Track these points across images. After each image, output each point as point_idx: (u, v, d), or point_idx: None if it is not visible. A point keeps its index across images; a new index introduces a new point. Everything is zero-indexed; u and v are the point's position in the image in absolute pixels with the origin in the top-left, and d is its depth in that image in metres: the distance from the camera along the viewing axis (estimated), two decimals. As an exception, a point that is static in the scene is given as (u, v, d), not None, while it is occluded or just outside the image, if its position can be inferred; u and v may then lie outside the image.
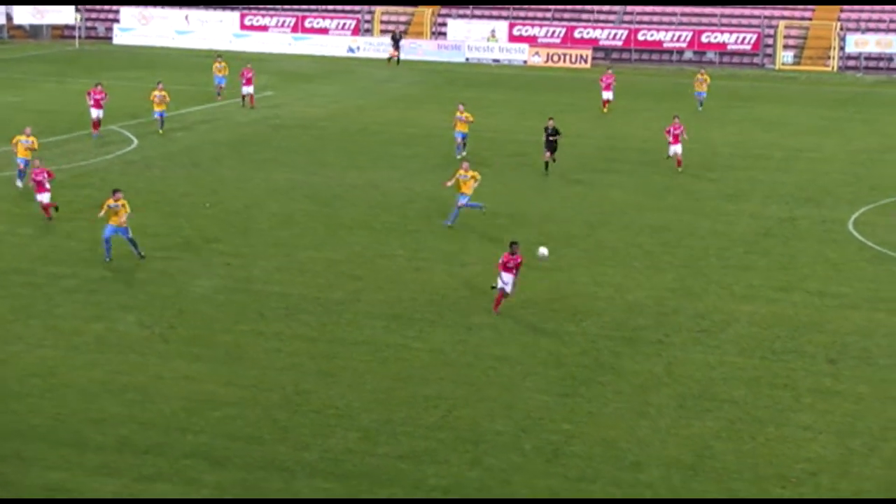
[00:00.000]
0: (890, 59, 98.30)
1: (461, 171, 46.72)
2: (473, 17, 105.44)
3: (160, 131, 64.15)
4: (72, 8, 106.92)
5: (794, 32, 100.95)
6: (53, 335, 34.85)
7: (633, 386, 31.86)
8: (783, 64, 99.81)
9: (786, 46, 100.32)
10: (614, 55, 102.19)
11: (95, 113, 63.30)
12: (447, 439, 28.43)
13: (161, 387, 31.21)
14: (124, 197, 41.54)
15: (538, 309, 37.47)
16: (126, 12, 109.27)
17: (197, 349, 33.93)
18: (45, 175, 46.50)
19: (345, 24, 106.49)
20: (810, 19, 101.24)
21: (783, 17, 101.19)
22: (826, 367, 33.40)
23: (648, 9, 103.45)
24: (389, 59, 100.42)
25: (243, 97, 74.83)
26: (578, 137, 66.21)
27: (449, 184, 47.10)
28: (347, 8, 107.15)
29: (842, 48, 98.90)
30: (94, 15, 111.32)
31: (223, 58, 79.78)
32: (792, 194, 54.02)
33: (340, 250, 43.69)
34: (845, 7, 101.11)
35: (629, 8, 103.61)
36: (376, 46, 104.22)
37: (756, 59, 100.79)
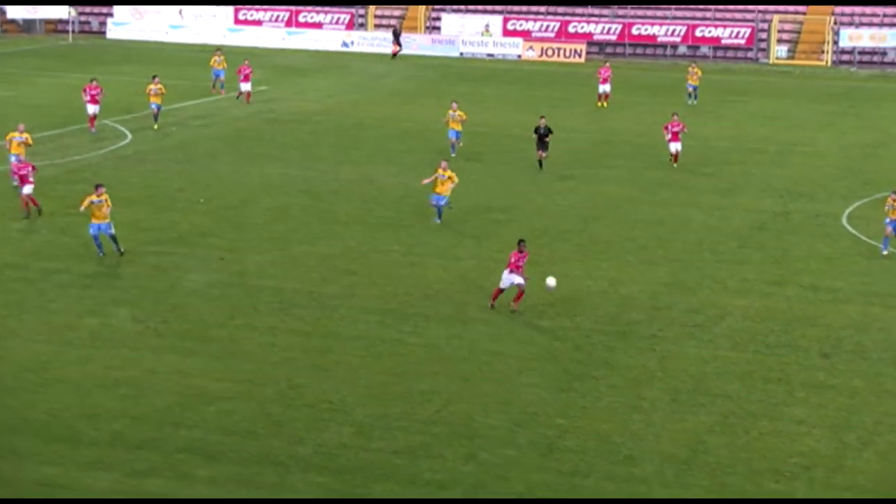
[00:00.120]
0: (884, 53, 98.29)
1: (439, 171, 46.22)
2: (468, 11, 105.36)
3: (155, 126, 63.89)
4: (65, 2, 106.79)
5: (787, 27, 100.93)
6: (47, 330, 34.83)
7: (627, 380, 31.88)
8: (777, 58, 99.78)
9: (780, 41, 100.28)
10: (608, 49, 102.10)
11: (92, 109, 63.00)
12: (442, 434, 28.44)
13: (155, 381, 31.20)
14: (106, 192, 41.39)
15: (532, 303, 37.46)
16: (120, 6, 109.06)
17: (191, 344, 33.92)
18: (30, 169, 46.59)
19: (339, 19, 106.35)
20: (804, 13, 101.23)
21: (777, 12, 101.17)
22: (820, 362, 33.43)
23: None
24: (394, 55, 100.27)
25: (240, 94, 74.50)
26: (572, 132, 66.15)
27: (427, 181, 46.70)
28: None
29: (836, 42, 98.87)
30: (87, 9, 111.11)
31: (222, 51, 79.29)
32: (786, 188, 54.04)
33: (335, 245, 43.68)
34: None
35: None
36: (370, 41, 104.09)
37: (750, 54, 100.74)
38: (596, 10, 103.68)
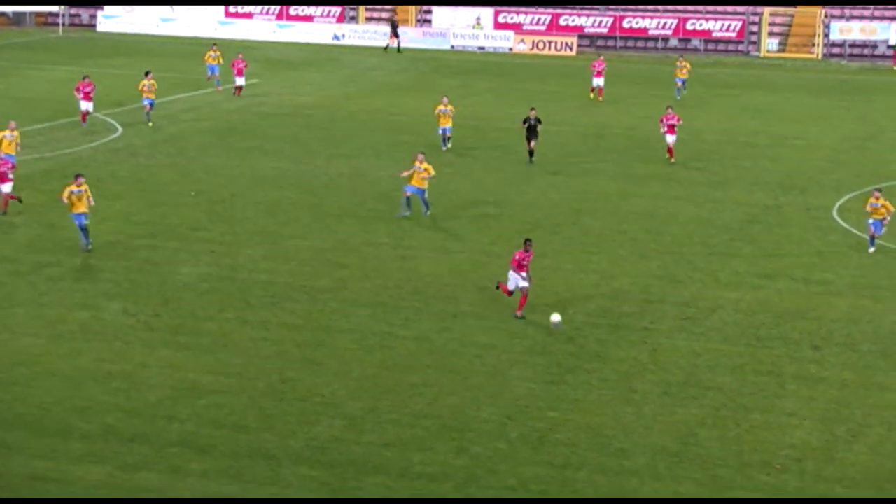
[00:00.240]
0: (874, 46, 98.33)
1: (416, 163, 45.90)
2: (458, 4, 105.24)
3: (149, 124, 63.53)
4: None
5: (778, 20, 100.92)
6: (38, 324, 34.81)
7: (619, 373, 31.92)
8: (768, 51, 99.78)
9: (771, 34, 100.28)
10: (599, 42, 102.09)
11: (85, 106, 62.56)
12: (433, 427, 28.47)
13: (146, 375, 31.20)
14: (86, 182, 41.32)
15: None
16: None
17: (182, 337, 33.92)
18: (10, 166, 46.49)
19: (330, 12, 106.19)
20: (795, 6, 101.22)
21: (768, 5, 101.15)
22: (811, 354, 33.50)
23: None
24: (387, 47, 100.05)
25: (237, 88, 74.17)
26: (563, 125, 66.18)
27: (404, 174, 46.43)
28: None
29: (826, 35, 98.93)
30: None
31: (218, 46, 78.84)
32: (777, 181, 54.09)
33: (326, 238, 43.68)
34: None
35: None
36: (361, 34, 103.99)
37: (741, 47, 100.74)
38: (587, 3, 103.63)
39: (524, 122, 55.95)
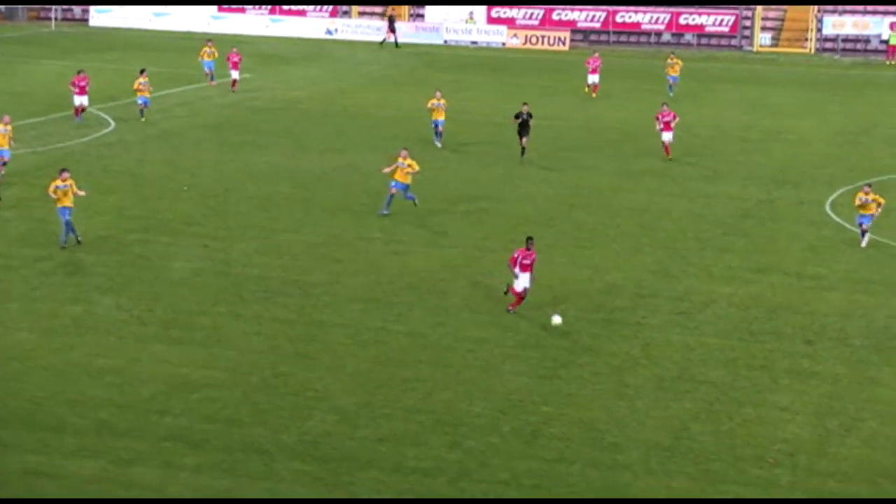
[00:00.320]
0: (867, 40, 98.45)
1: (399, 159, 45.43)
2: (452, 3, 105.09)
3: (142, 119, 63.43)
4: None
5: (771, 14, 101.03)
6: (30, 318, 34.77)
7: (612, 367, 31.94)
8: (761, 46, 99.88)
9: (763, 28, 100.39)
10: (592, 37, 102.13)
11: (79, 100, 62.29)
12: (426, 422, 28.48)
13: (139, 369, 31.18)
14: (71, 177, 41.17)
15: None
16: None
17: (175, 332, 33.90)
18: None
19: (322, 7, 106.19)
20: (787, 4, 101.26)
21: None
22: (803, 349, 33.53)
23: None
24: (383, 41, 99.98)
25: (233, 82, 74.02)
26: (556, 119, 66.26)
27: (387, 170, 45.91)
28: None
29: (819, 30, 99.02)
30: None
31: (213, 41, 78.63)
32: (770, 176, 54.15)
33: (319, 233, 43.67)
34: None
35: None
36: (354, 28, 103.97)
37: (734, 41, 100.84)
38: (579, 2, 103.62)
39: (516, 118, 55.67)
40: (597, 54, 78.30)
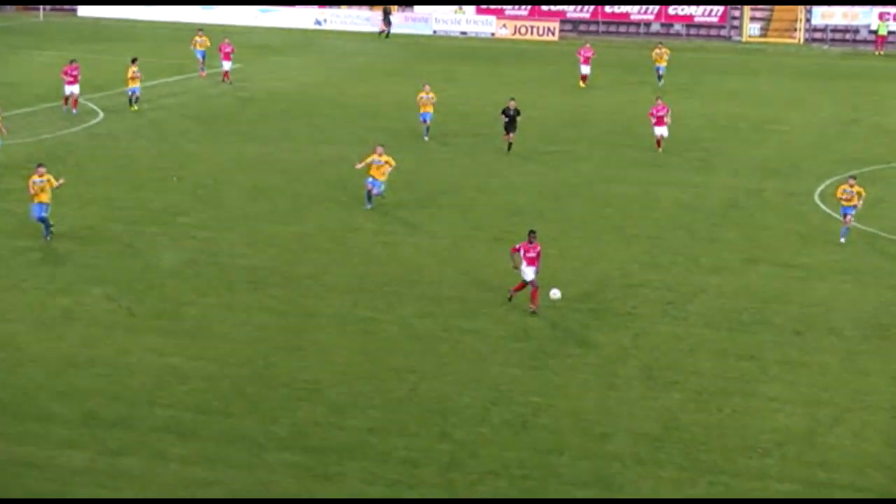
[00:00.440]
0: (856, 31, 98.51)
1: (375, 156, 44.75)
2: (444, 3, 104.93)
3: (133, 108, 63.13)
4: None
5: (760, 4, 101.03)
6: (19, 309, 34.71)
7: (601, 358, 31.95)
8: (750, 36, 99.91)
9: (752, 18, 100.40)
10: (581, 27, 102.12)
11: (70, 90, 61.87)
12: (415, 412, 28.48)
13: (128, 360, 31.15)
14: (48, 172, 40.91)
15: (506, 281, 37.48)
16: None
17: (164, 323, 33.86)
18: None
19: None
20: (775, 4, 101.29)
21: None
22: (792, 339, 33.56)
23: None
24: (381, 33, 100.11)
25: (225, 73, 73.81)
26: (546, 110, 66.22)
27: (360, 166, 45.35)
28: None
29: (808, 20, 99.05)
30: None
31: (204, 31, 78.39)
32: (759, 166, 54.16)
33: (309, 224, 43.62)
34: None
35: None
36: (343, 19, 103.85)
37: (723, 32, 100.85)
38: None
39: (503, 113, 55.17)
40: (588, 45, 78.22)
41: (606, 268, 39.30)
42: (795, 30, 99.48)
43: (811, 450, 27.08)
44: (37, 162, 42.60)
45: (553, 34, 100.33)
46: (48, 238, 40.61)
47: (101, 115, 62.27)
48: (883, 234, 43.43)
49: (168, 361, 31.12)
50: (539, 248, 35.13)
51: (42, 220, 40.55)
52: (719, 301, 36.48)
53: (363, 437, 27.23)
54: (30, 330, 33.15)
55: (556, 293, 34.41)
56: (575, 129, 62.38)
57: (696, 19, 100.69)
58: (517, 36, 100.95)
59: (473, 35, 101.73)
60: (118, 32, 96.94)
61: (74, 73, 61.76)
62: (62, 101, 62.53)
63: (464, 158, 54.51)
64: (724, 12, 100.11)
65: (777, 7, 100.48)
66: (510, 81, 75.49)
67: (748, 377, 30.89)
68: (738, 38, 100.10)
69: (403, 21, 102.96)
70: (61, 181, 40.84)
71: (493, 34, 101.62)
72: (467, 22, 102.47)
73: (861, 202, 42.29)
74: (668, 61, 76.57)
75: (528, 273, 34.92)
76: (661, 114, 56.02)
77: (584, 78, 75.32)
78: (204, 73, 75.06)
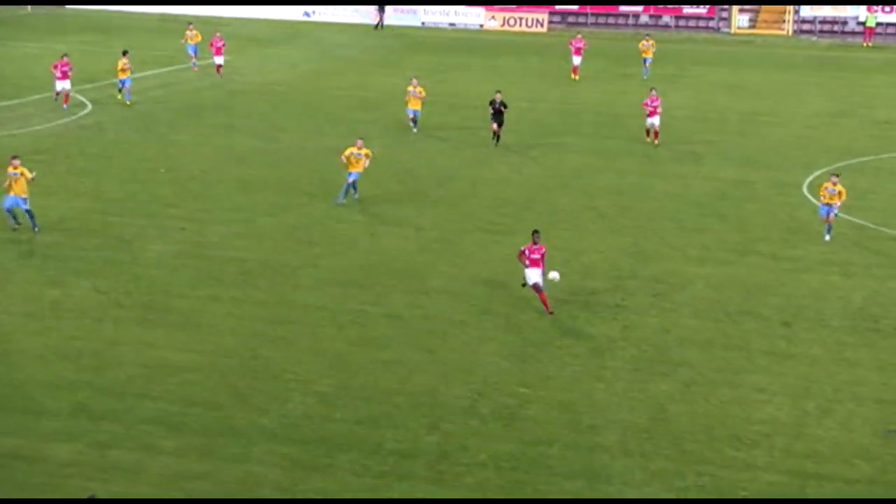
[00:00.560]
0: (844, 22, 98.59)
1: (354, 149, 44.58)
2: (435, 3, 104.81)
3: (127, 102, 62.90)
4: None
5: (748, 5, 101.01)
6: (7, 301, 34.68)
7: (590, 349, 32.00)
8: (739, 27, 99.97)
9: (741, 10, 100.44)
10: (570, 19, 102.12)
11: (61, 85, 61.59)
12: (404, 404, 28.51)
13: (117, 352, 31.14)
14: (23, 164, 40.79)
15: (495, 273, 37.54)
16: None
17: (153, 315, 33.85)
18: None
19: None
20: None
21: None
22: (780, 330, 33.63)
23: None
24: (377, 25, 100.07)
25: (217, 67, 73.60)
26: (534, 101, 66.25)
27: (342, 159, 44.95)
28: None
29: (797, 12, 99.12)
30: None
31: (195, 25, 78.13)
32: (747, 157, 54.23)
33: (297, 216, 43.61)
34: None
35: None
36: (331, 10, 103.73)
37: (711, 23, 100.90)
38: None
39: (491, 105, 54.95)
40: (580, 36, 78.16)
41: (595, 259, 39.35)
42: (784, 21, 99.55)
43: (799, 441, 27.15)
44: (20, 152, 42.48)
45: (542, 25, 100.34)
46: (35, 228, 40.59)
47: (90, 106, 62.18)
48: (871, 226, 43.52)
49: (157, 354, 31.12)
50: (544, 249, 34.44)
51: (9, 210, 40.30)
52: (707, 292, 36.54)
53: (352, 429, 27.26)
54: (18, 322, 33.12)
55: (554, 275, 34.32)
56: (563, 120, 62.40)
57: (685, 11, 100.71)
58: (506, 27, 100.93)
59: (462, 27, 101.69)
60: (106, 24, 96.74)
61: (65, 68, 61.32)
62: (53, 94, 62.20)
63: (453, 151, 54.51)
64: (713, 4, 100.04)
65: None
66: (499, 73, 75.54)
67: (736, 368, 30.96)
68: (726, 30, 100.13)
69: (392, 13, 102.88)
70: (33, 174, 40.65)
71: (481, 26, 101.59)
72: (456, 13, 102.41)
73: (839, 203, 41.68)
74: (657, 53, 76.61)
75: (532, 276, 34.28)
76: (654, 104, 55.76)
77: (575, 69, 75.28)
78: (196, 68, 74.91)
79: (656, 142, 55.72)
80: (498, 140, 54.95)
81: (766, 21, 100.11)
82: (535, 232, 34.81)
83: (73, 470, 25.24)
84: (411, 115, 57.63)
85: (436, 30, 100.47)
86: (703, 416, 28.19)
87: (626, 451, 26.48)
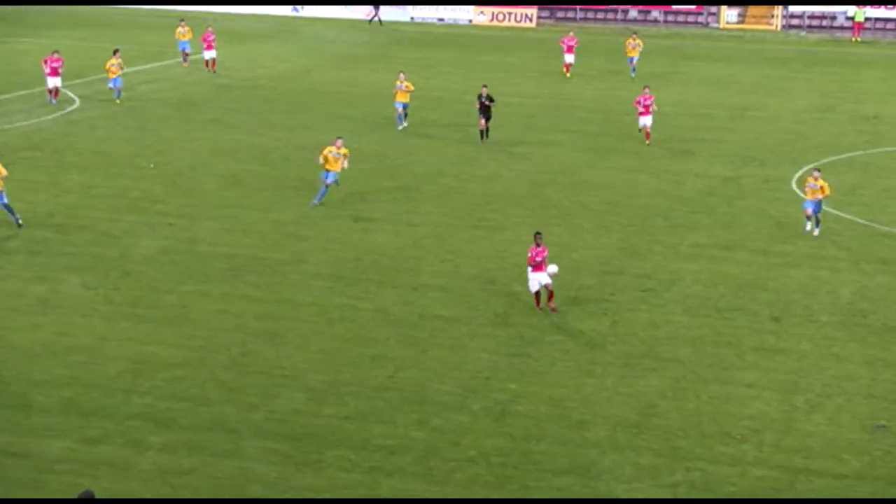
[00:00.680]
0: (833, 17, 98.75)
1: (332, 148, 44.05)
2: (427, 3, 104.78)
3: (117, 100, 62.65)
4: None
5: (738, 5, 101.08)
6: (-3, 297, 34.66)
7: (579, 345, 32.00)
8: (727, 23, 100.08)
9: (730, 5, 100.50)
10: (559, 14, 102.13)
11: (52, 82, 61.31)
12: (393, 400, 28.49)
13: (106, 348, 31.09)
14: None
15: (485, 268, 37.54)
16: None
17: (142, 310, 33.80)
18: None
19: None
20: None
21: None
22: (770, 325, 33.66)
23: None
24: (373, 20, 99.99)
25: (206, 62, 73.61)
26: (524, 97, 66.25)
27: (319, 159, 44.39)
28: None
29: (785, 7, 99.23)
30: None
31: (187, 21, 78.04)
32: (736, 153, 54.28)
33: (286, 211, 43.57)
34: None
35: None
36: (320, 5, 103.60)
37: (700, 18, 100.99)
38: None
39: (478, 99, 54.71)
40: (572, 33, 78.06)
41: (584, 255, 39.35)
42: (773, 16, 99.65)
43: (788, 436, 27.18)
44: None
45: (531, 21, 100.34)
46: (19, 223, 40.56)
47: (78, 102, 62.08)
48: (859, 221, 43.58)
49: (146, 349, 31.08)
50: (546, 251, 34.09)
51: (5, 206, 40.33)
52: (697, 288, 36.57)
53: (341, 424, 27.24)
54: (6, 318, 33.05)
55: (553, 269, 34.22)
56: (553, 116, 62.41)
57: (674, 6, 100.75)
58: (495, 23, 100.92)
59: (451, 22, 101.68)
60: (96, 19, 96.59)
61: (55, 64, 60.99)
62: (47, 92, 61.78)
63: (442, 146, 54.48)
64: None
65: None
66: (488, 69, 75.51)
67: (725, 364, 30.98)
68: (715, 25, 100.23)
69: (381, 7, 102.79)
70: (5, 173, 40.33)
71: (470, 21, 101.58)
72: (445, 9, 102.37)
73: (823, 197, 41.66)
74: (646, 48, 76.62)
75: (535, 283, 33.90)
76: (647, 103, 55.39)
77: (567, 67, 75.17)
78: (187, 64, 74.79)
79: (647, 141, 55.51)
80: (486, 135, 54.77)
81: (754, 16, 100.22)
82: (538, 234, 34.43)
83: (63, 466, 25.19)
84: (400, 109, 57.49)
85: (424, 25, 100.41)
86: (693, 412, 28.20)
87: (615, 447, 26.49)
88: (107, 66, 62.66)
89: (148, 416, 27.41)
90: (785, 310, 34.85)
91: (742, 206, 45.54)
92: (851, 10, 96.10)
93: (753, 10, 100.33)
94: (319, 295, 35.28)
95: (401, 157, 51.76)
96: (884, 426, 27.72)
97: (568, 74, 74.63)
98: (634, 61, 75.13)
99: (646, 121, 55.67)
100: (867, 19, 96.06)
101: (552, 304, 34.11)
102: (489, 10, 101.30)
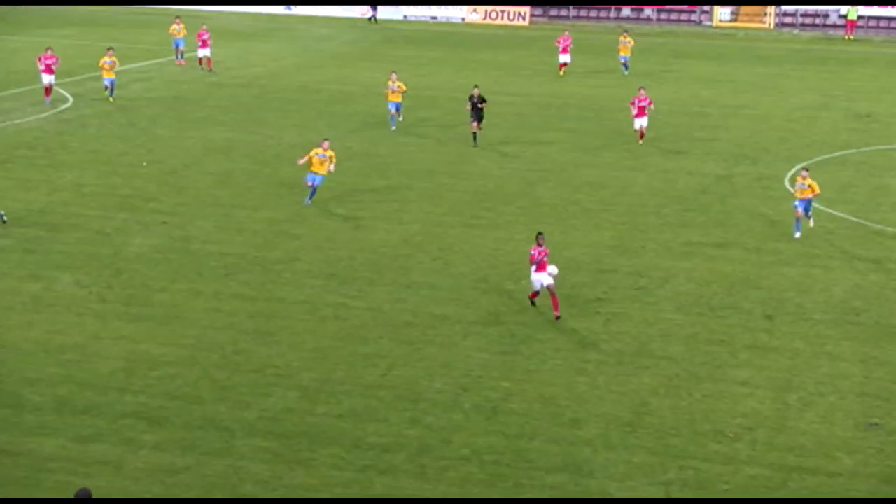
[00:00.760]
0: (826, 15, 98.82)
1: (319, 150, 43.64)
2: (421, 3, 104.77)
3: (110, 99, 62.55)
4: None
5: (731, 5, 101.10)
6: (-11, 296, 34.61)
7: (572, 343, 32.00)
8: (720, 21, 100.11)
9: (723, 3, 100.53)
10: (552, 12, 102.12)
11: (47, 79, 61.15)
12: (386, 398, 28.48)
13: (99, 347, 31.06)
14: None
15: (477, 267, 37.53)
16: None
17: (135, 309, 33.77)
18: None
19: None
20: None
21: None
22: (762, 323, 33.67)
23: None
24: (370, 19, 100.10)
25: (200, 60, 73.54)
26: (517, 95, 66.24)
27: (301, 161, 44.26)
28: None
29: (778, 5, 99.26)
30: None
31: (181, 18, 77.96)
32: (729, 151, 54.30)
33: (279, 209, 43.54)
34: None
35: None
36: (312, 4, 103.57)
37: (693, 17, 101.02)
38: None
39: (469, 100, 54.09)
40: (567, 33, 77.95)
41: (577, 253, 39.35)
42: (766, 14, 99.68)
43: (781, 434, 27.19)
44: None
45: (524, 19, 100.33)
46: (4, 220, 40.47)
47: (71, 100, 62.01)
48: (852, 219, 43.61)
49: (138, 348, 31.05)
50: (547, 251, 33.81)
51: None
52: (689, 286, 36.58)
53: (334, 422, 27.23)
54: (-1, 316, 33.07)
55: (553, 269, 34.10)
56: (545, 114, 62.39)
57: (667, 4, 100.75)
58: (488, 21, 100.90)
59: (444, 20, 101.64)
60: (87, 17, 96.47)
61: (49, 61, 60.89)
62: (43, 90, 61.57)
63: (435, 143, 54.46)
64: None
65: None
66: (481, 67, 75.54)
67: (718, 362, 30.99)
68: (708, 23, 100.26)
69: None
70: None
71: (463, 19, 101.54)
72: (438, 7, 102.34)
73: (812, 196, 41.53)
74: (639, 46, 76.63)
75: (537, 282, 33.73)
76: (642, 104, 54.68)
77: (561, 67, 75.07)
78: (183, 63, 74.72)
79: (640, 142, 55.30)
80: (475, 138, 53.80)
81: (747, 14, 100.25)
82: (540, 234, 34.13)
83: (56, 464, 25.16)
84: (393, 110, 57.19)
85: (417, 23, 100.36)
86: (686, 410, 28.21)
87: (608, 445, 26.49)
88: (100, 64, 62.59)
89: (141, 414, 27.39)
90: (778, 308, 34.88)
91: (735, 204, 45.57)
92: (844, 8, 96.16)
93: (746, 8, 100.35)
94: (312, 293, 35.27)
95: (392, 155, 51.74)
96: (877, 424, 27.75)
97: (561, 74, 74.59)
98: (626, 60, 75.04)
99: (641, 122, 55.16)
100: (860, 17, 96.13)
101: (556, 312, 33.74)
102: (482, 8, 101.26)
